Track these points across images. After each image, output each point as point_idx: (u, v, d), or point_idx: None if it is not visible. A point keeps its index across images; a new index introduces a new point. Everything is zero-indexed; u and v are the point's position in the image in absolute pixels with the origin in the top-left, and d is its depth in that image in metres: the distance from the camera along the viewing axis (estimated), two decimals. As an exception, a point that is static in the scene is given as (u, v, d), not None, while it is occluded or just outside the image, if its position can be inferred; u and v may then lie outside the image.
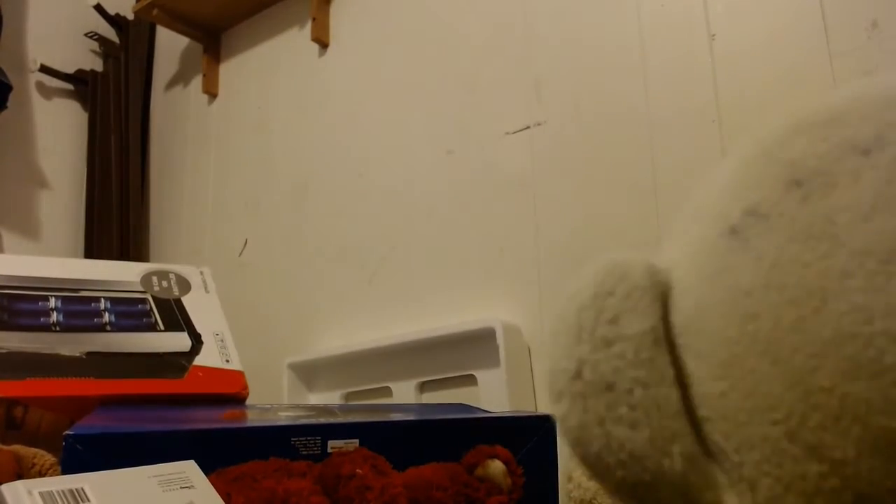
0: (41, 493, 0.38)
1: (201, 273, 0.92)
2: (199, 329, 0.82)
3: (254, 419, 0.65)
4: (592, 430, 0.25)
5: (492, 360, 1.08)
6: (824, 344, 0.22)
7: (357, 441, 0.62)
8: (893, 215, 0.22)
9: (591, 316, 0.27)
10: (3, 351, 0.70)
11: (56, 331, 0.75)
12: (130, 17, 1.87)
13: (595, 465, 0.25)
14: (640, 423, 0.25)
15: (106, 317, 0.79)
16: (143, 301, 0.83)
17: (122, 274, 0.86)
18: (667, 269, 0.28)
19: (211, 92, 1.73)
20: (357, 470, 0.54)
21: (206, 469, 0.48)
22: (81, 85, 1.87)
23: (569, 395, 0.26)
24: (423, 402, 1.21)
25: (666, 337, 0.26)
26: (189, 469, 0.47)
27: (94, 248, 1.74)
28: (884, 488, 0.21)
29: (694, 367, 0.26)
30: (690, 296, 0.27)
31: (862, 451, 0.22)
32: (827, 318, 0.22)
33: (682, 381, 0.26)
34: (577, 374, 0.26)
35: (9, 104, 1.61)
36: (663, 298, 0.27)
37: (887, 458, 0.21)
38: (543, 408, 1.08)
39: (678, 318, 0.27)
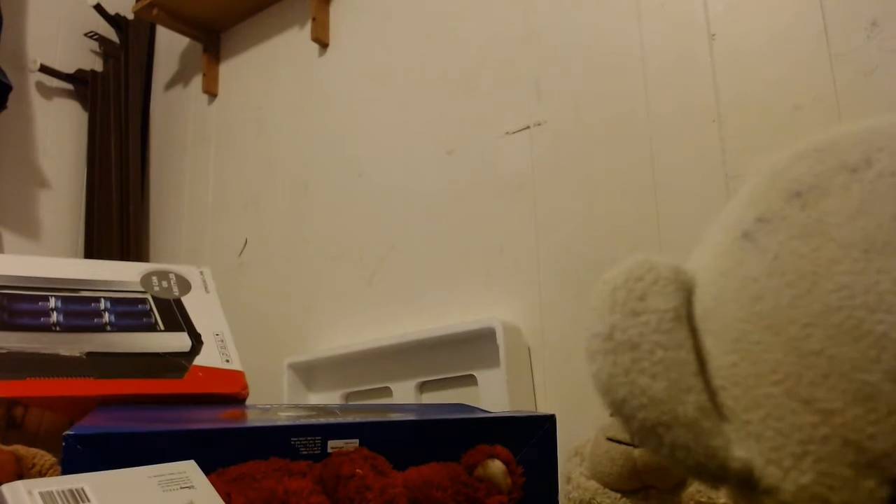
0: (41, 493, 0.38)
1: (201, 273, 0.92)
2: (199, 329, 0.82)
3: (254, 419, 0.65)
4: (619, 379, 0.30)
5: (492, 360, 1.08)
6: (815, 316, 0.28)
7: (357, 441, 0.62)
8: (873, 217, 0.28)
9: (622, 293, 0.32)
10: (4, 351, 0.70)
11: (56, 331, 0.75)
12: (130, 16, 1.87)
13: (621, 409, 0.30)
14: (659, 375, 0.30)
15: (106, 317, 0.79)
16: (143, 301, 0.83)
17: (122, 274, 0.86)
18: (692, 272, 0.34)
19: (211, 92, 1.73)
20: (357, 470, 0.54)
21: (207, 469, 0.49)
22: (81, 85, 1.87)
23: (601, 352, 0.31)
24: (423, 402, 1.21)
25: (688, 323, 0.32)
26: (189, 469, 0.47)
27: (94, 248, 1.74)
28: (865, 434, 0.26)
29: (710, 345, 0.31)
30: (709, 291, 0.32)
31: (847, 402, 0.27)
32: (817, 296, 0.28)
33: (700, 360, 0.31)
34: (609, 337, 0.31)
35: (9, 104, 1.60)
36: (687, 294, 0.33)
37: (867, 408, 0.26)
38: (543, 408, 1.08)
39: (699, 309, 0.32)
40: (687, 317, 0.32)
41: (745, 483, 0.30)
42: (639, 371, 0.30)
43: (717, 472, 0.29)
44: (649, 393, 0.30)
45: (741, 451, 0.29)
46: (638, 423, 0.30)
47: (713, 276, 0.33)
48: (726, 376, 0.30)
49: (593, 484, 0.52)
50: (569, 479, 0.55)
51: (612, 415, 0.31)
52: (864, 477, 0.27)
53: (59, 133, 1.83)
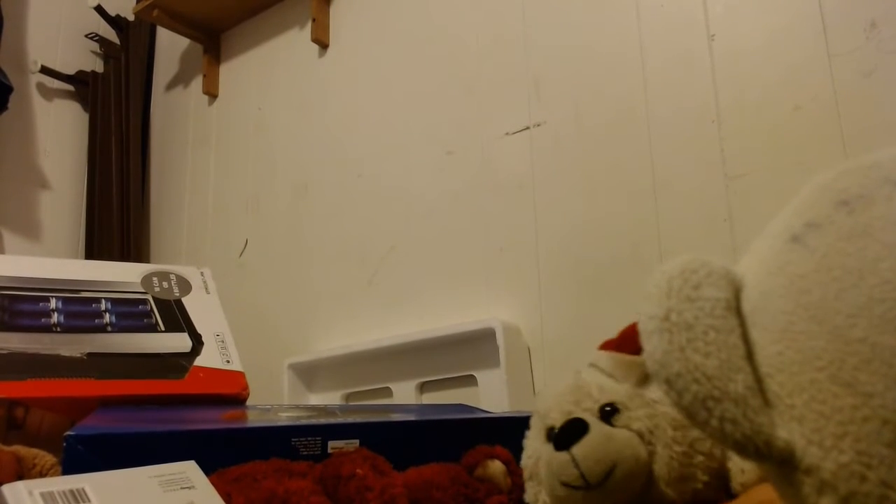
0: (42, 494, 0.38)
1: (202, 274, 0.92)
2: (199, 330, 0.83)
3: (254, 420, 0.65)
4: (675, 355, 0.33)
5: (492, 360, 1.09)
6: (860, 307, 0.30)
7: (357, 441, 0.62)
8: None
9: (678, 282, 0.34)
10: (5, 352, 0.71)
11: (57, 331, 0.75)
12: (131, 18, 1.87)
13: (675, 382, 0.32)
14: (711, 354, 0.32)
15: (107, 317, 0.80)
16: (144, 302, 0.83)
17: (123, 275, 0.86)
18: (741, 274, 0.37)
19: (211, 92, 1.73)
20: (357, 470, 0.54)
21: (207, 469, 0.49)
22: (82, 86, 1.87)
23: (657, 332, 0.34)
24: (424, 402, 1.21)
25: (737, 316, 0.34)
26: (189, 469, 0.47)
27: (95, 248, 1.74)
28: None
29: (757, 337, 0.34)
30: (757, 289, 0.35)
31: (887, 386, 0.29)
32: (862, 289, 0.30)
33: (748, 350, 0.34)
34: (666, 318, 0.34)
35: (9, 105, 1.61)
36: (736, 290, 0.35)
37: None
38: (543, 408, 1.08)
39: (747, 306, 0.35)
40: (736, 311, 0.35)
41: (785, 463, 0.32)
42: (693, 349, 0.33)
43: (762, 449, 0.32)
44: (702, 369, 0.32)
45: (784, 433, 0.32)
46: (690, 395, 0.32)
47: (761, 276, 0.35)
48: (772, 364, 0.33)
49: None
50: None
51: (665, 392, 0.33)
52: None
53: (59, 134, 1.83)
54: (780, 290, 0.34)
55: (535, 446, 0.55)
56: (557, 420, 0.52)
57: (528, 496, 0.55)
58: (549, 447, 0.51)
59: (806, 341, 0.32)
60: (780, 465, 0.32)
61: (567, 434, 0.50)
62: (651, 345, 0.34)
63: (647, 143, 1.06)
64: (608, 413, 0.51)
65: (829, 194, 0.34)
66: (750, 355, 0.34)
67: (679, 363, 0.32)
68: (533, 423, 0.58)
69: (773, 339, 0.33)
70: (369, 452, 0.58)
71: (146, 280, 0.86)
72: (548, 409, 0.55)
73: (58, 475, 0.55)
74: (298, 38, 1.58)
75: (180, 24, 1.69)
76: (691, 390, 0.32)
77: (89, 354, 0.74)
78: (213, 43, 1.75)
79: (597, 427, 0.49)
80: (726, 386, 0.32)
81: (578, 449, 0.49)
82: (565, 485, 0.49)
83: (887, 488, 0.29)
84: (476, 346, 1.13)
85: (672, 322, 0.33)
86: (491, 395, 1.09)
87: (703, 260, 0.36)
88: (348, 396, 1.30)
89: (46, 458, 0.58)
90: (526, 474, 0.56)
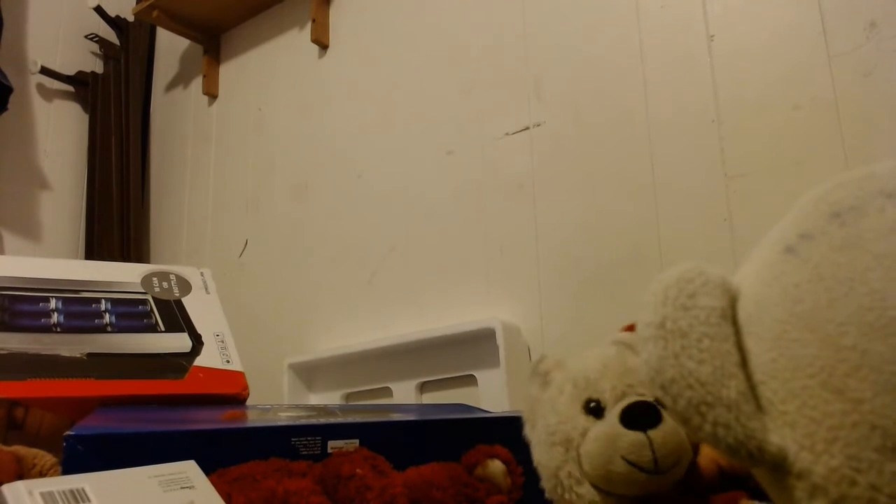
0: (42, 494, 0.38)
1: (202, 274, 0.92)
2: (199, 330, 0.83)
3: (254, 419, 0.65)
4: (669, 361, 0.33)
5: (492, 360, 1.09)
6: (850, 315, 0.31)
7: (357, 441, 0.62)
8: None
9: (674, 291, 0.35)
10: (5, 352, 0.71)
11: (57, 332, 0.75)
12: (131, 18, 1.87)
13: (670, 388, 0.33)
14: (705, 361, 0.33)
15: (107, 318, 0.80)
16: (144, 302, 0.83)
17: (123, 275, 0.86)
18: (737, 283, 0.37)
19: (211, 93, 1.73)
20: (357, 470, 0.54)
21: (207, 469, 0.49)
22: (82, 87, 1.87)
23: (652, 339, 0.34)
24: (423, 402, 1.21)
25: (732, 325, 0.35)
26: (189, 469, 0.47)
27: (95, 249, 1.74)
28: (891, 420, 0.29)
29: (752, 345, 0.34)
30: (752, 298, 0.36)
31: (876, 392, 0.29)
32: (853, 298, 0.31)
33: (742, 358, 0.34)
34: (661, 325, 0.34)
35: (9, 106, 1.61)
36: (732, 300, 0.36)
37: (894, 396, 0.29)
38: (543, 408, 1.08)
39: (742, 315, 0.36)
40: (731, 319, 0.35)
41: (778, 467, 0.32)
42: (687, 356, 0.33)
43: (755, 453, 0.32)
44: (696, 375, 0.33)
45: (776, 438, 0.32)
46: (684, 401, 0.33)
47: (756, 287, 0.36)
48: (766, 371, 0.33)
49: (588, 489, 0.52)
50: (556, 473, 0.55)
51: (661, 397, 0.34)
52: (889, 460, 0.29)
53: (59, 134, 1.83)
54: (774, 300, 0.34)
55: (570, 413, 0.55)
56: (609, 397, 0.53)
57: (550, 459, 0.55)
58: (602, 422, 0.52)
59: (799, 349, 0.32)
60: (773, 469, 0.33)
61: (642, 416, 0.51)
62: (647, 351, 0.35)
63: (646, 143, 1.06)
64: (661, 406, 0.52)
65: (823, 206, 0.35)
66: (744, 363, 0.34)
67: (673, 369, 0.33)
68: (560, 387, 0.56)
69: (767, 346, 0.34)
70: (369, 452, 0.58)
71: (146, 280, 0.87)
72: (590, 380, 0.55)
73: (58, 475, 0.55)
74: (298, 39, 1.58)
75: (180, 24, 1.69)
76: (685, 396, 0.33)
77: (89, 355, 0.74)
78: (213, 43, 1.75)
79: (667, 417, 0.51)
80: (719, 392, 0.32)
81: (656, 434, 0.50)
82: (632, 463, 0.50)
83: (876, 492, 0.29)
84: (476, 346, 1.13)
85: (667, 329, 0.34)
86: (491, 395, 1.10)
87: (700, 269, 0.36)
88: (348, 396, 1.30)
89: (46, 458, 0.58)
90: (555, 439, 0.55)
